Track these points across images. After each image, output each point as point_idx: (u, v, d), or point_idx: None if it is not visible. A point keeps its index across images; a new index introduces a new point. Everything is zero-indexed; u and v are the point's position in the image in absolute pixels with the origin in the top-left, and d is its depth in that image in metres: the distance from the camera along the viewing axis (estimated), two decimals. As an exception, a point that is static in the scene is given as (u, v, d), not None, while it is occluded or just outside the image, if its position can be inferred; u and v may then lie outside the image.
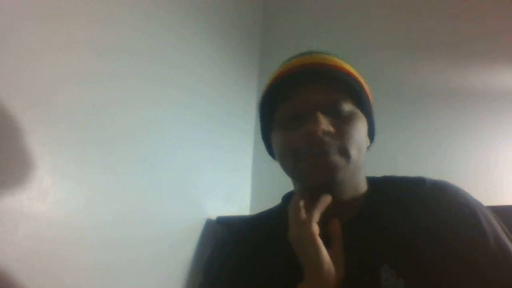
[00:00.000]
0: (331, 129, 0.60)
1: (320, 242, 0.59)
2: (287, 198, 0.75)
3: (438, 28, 1.47)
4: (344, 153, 0.61)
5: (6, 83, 0.84)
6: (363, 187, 0.68)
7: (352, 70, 0.66)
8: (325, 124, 0.59)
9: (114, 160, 1.06)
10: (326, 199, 0.62)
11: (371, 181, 0.71)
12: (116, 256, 1.02)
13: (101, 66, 1.06)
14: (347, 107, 0.63)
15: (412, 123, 1.43)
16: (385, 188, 0.68)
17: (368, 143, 0.69)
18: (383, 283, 0.57)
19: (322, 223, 0.62)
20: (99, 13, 1.07)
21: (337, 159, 0.60)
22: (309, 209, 0.61)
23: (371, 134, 0.70)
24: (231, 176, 1.56)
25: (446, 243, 0.58)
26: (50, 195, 0.89)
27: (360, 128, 0.63)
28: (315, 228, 0.59)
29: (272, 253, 0.62)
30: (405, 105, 1.46)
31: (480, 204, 0.64)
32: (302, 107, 0.62)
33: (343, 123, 0.62)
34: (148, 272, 1.11)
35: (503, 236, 0.60)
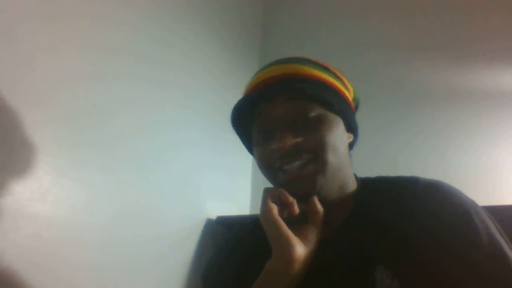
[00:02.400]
0: (298, 139, 0.60)
1: (276, 218, 0.61)
2: None
3: (438, 27, 1.47)
4: (318, 159, 0.61)
5: (6, 83, 0.84)
6: (351, 185, 0.68)
7: (316, 72, 0.65)
8: (289, 138, 0.60)
9: (115, 160, 1.07)
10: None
11: (363, 180, 0.71)
12: (116, 256, 1.03)
13: (101, 66, 1.06)
14: (314, 113, 0.63)
15: (412, 123, 1.43)
16: (378, 186, 0.68)
17: (350, 139, 0.69)
18: (378, 284, 0.57)
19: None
20: (99, 13, 1.07)
21: (312, 167, 0.61)
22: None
23: (353, 130, 0.69)
24: (231, 176, 1.56)
25: (441, 242, 0.58)
26: (50, 195, 0.89)
27: (331, 128, 0.63)
28: (271, 207, 0.61)
29: (269, 257, 0.62)
30: (405, 105, 1.46)
31: (474, 203, 0.64)
32: (268, 123, 0.64)
33: (311, 127, 0.62)
34: (148, 271, 1.12)
35: (497, 235, 0.60)
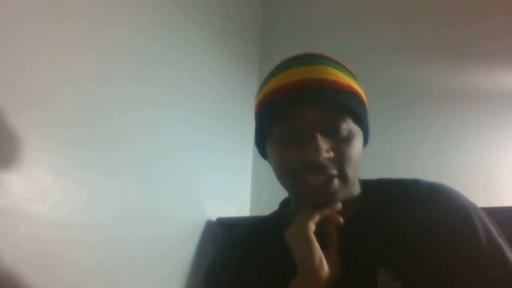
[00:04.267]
0: (331, 155, 0.60)
1: (312, 237, 0.59)
2: (285, 204, 0.76)
3: (438, 29, 1.47)
4: (343, 176, 0.61)
5: (6, 83, 0.84)
6: (356, 190, 0.69)
7: (349, 80, 0.65)
8: (325, 149, 0.59)
9: (114, 160, 1.06)
10: (336, 207, 0.61)
11: (366, 183, 0.71)
12: (116, 257, 1.03)
13: (101, 66, 1.06)
14: (346, 126, 0.62)
15: (411, 124, 1.43)
16: (380, 190, 0.68)
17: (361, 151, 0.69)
18: (380, 286, 0.57)
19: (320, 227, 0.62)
20: (99, 13, 1.07)
21: (337, 183, 0.60)
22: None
23: (364, 140, 0.69)
24: (231, 177, 1.56)
25: (442, 245, 0.58)
26: (50, 195, 0.89)
27: (357, 147, 0.63)
28: (310, 226, 0.59)
29: (270, 258, 0.62)
30: (404, 106, 1.46)
31: (474, 205, 0.64)
32: (301, 127, 0.61)
33: (341, 144, 0.61)
34: (148, 272, 1.12)
35: (497, 237, 0.60)
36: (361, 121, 0.64)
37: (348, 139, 0.62)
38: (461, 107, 1.36)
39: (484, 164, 1.28)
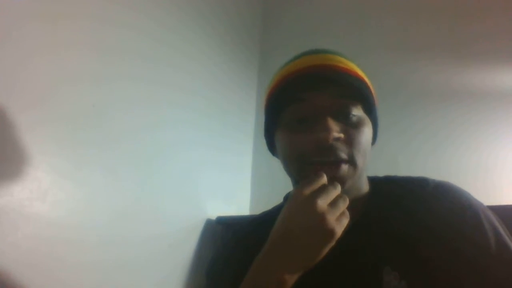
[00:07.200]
0: (341, 135, 0.59)
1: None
2: (288, 197, 0.75)
3: (438, 28, 1.47)
4: (352, 161, 0.60)
5: (6, 83, 0.84)
6: (364, 188, 0.68)
7: (360, 72, 0.65)
8: (336, 130, 0.58)
9: (114, 160, 1.07)
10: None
11: (373, 181, 0.70)
12: (116, 256, 1.03)
13: (101, 66, 1.06)
14: (356, 112, 0.61)
15: (412, 123, 1.43)
16: (388, 189, 0.68)
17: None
18: (385, 285, 0.57)
19: None
20: (99, 13, 1.07)
21: (346, 168, 0.59)
22: None
23: (373, 137, 0.69)
24: (231, 176, 1.56)
25: (448, 245, 0.58)
26: (49, 195, 0.89)
27: (367, 134, 0.62)
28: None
29: None
30: (405, 105, 1.46)
31: (482, 205, 0.64)
32: (311, 111, 0.61)
33: (352, 128, 0.60)
34: (148, 271, 1.12)
35: (505, 238, 0.60)
36: (370, 111, 0.64)
37: (358, 125, 0.61)
38: (461, 106, 1.37)
39: (484, 162, 1.28)
